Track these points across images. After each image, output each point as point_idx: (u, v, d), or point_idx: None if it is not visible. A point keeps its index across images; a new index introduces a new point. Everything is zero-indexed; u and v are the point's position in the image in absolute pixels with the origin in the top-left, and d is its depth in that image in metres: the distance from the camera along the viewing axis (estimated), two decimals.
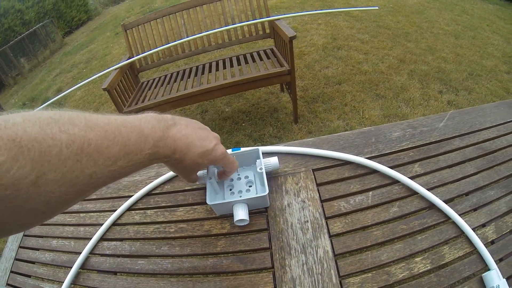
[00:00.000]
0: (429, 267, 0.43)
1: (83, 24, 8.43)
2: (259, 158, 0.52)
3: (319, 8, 4.05)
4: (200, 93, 1.79)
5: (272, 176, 0.56)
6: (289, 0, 4.58)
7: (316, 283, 0.43)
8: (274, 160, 0.53)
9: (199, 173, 0.57)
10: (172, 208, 0.58)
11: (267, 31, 2.05)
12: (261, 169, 0.50)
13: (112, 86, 1.76)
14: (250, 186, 0.53)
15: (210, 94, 1.83)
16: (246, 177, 0.54)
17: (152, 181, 0.63)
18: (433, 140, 0.59)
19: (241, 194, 0.52)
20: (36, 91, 4.33)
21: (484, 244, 0.44)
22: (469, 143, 0.59)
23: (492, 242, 0.46)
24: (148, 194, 0.63)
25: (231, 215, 0.51)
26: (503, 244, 0.45)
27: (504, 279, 0.40)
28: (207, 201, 0.49)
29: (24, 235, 0.69)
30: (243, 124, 2.18)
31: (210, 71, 2.04)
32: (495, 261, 0.43)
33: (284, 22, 1.81)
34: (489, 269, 0.43)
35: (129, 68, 2.09)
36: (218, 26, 2.05)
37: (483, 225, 0.47)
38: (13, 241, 0.69)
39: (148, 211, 0.60)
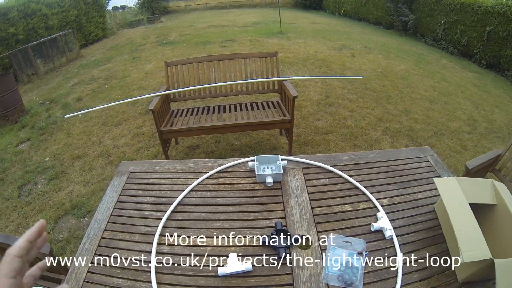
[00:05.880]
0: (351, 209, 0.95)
1: (98, 40, 8.94)
2: (278, 159, 1.07)
3: (318, 66, 4.85)
4: (222, 127, 2.35)
5: (282, 168, 1.09)
6: (293, 56, 5.40)
7: (302, 210, 0.93)
8: (284, 162, 1.08)
9: (250, 164, 1.09)
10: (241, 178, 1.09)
11: (276, 87, 2.69)
12: (279, 164, 1.04)
13: (156, 108, 2.29)
14: (272, 171, 1.06)
15: (228, 129, 2.39)
16: (271, 167, 1.08)
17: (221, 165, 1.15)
18: (365, 162, 1.14)
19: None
20: (55, 94, 4.61)
21: (381, 206, 0.96)
22: (385, 165, 1.13)
23: (386, 205, 0.97)
24: (219, 171, 1.13)
25: (264, 182, 1.04)
26: (390, 208, 0.97)
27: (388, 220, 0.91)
28: (256, 172, 1.02)
29: (124, 189, 1.08)
30: (249, 156, 2.71)
31: (230, 111, 2.63)
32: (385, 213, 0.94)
33: (289, 83, 2.45)
34: (382, 216, 0.94)
35: (165, 97, 2.65)
36: (239, 78, 2.69)
37: (382, 199, 1.00)
38: (112, 192, 1.07)
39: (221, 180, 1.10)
